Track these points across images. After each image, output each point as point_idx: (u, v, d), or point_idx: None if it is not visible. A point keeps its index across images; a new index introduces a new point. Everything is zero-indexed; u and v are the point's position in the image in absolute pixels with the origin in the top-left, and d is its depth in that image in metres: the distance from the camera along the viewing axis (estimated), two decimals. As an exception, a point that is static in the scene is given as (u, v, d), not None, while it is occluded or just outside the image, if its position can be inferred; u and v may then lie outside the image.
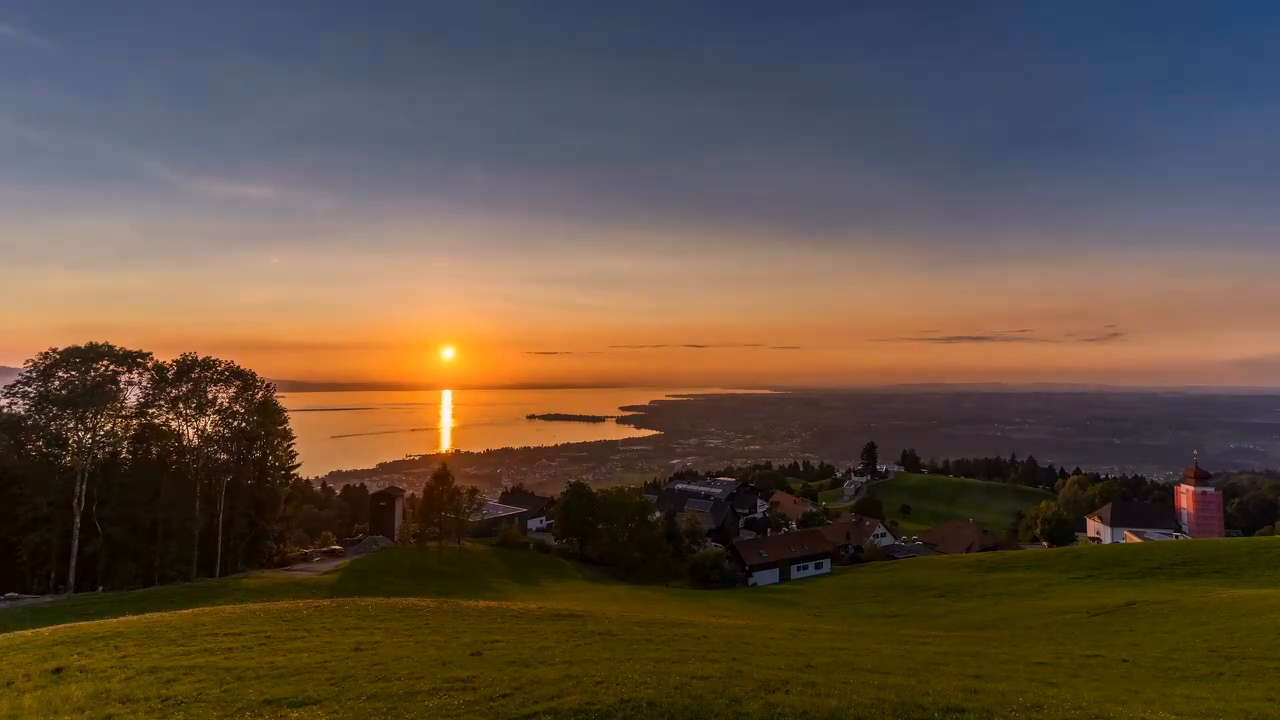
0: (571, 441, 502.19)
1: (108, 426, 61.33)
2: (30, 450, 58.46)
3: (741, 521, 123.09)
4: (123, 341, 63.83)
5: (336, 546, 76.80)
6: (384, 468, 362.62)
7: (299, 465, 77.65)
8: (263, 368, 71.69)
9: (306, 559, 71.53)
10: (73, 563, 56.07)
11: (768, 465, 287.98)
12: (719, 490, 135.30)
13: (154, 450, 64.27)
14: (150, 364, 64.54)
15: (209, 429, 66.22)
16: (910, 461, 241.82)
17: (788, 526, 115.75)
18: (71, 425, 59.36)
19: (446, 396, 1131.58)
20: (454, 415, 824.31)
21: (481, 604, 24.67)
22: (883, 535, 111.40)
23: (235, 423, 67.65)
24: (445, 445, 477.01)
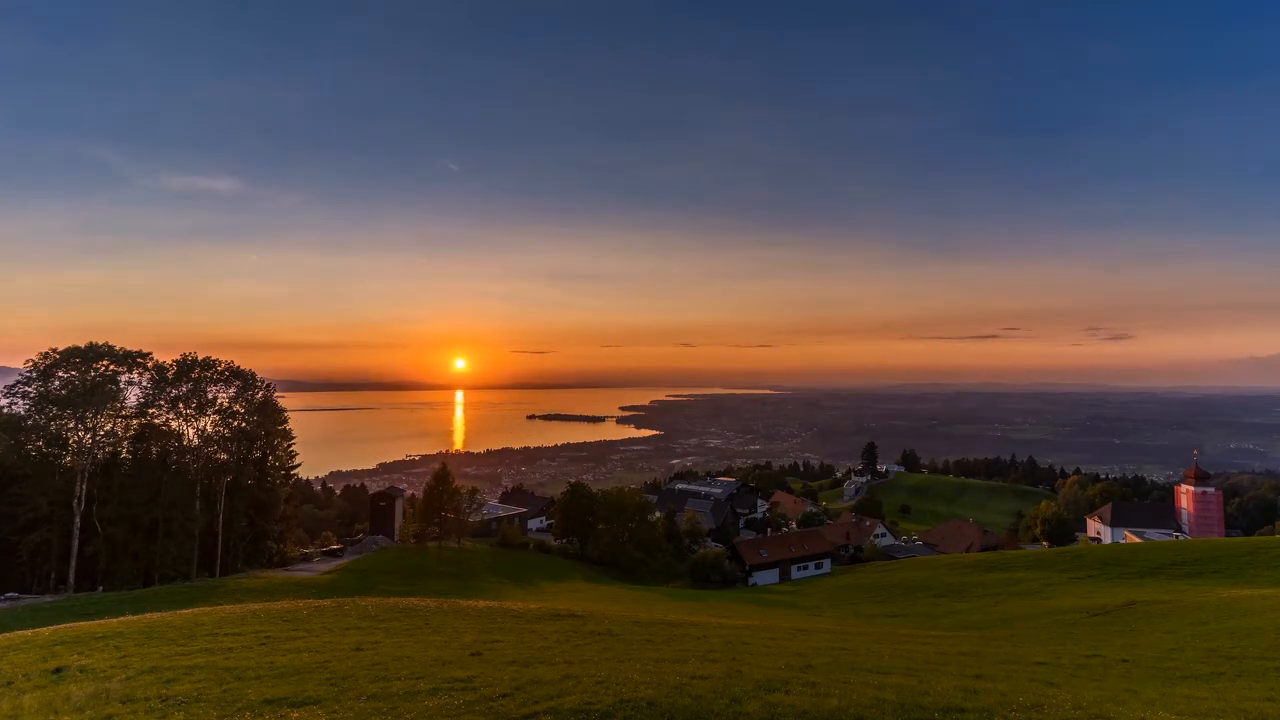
0: (571, 441, 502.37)
1: (108, 426, 61.28)
2: (30, 450, 58.39)
3: (741, 521, 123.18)
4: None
5: (336, 546, 76.82)
6: (384, 468, 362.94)
7: (299, 465, 77.71)
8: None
9: (306, 559, 71.51)
10: (73, 563, 56.05)
11: (768, 465, 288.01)
12: (719, 490, 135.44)
13: (154, 450, 64.22)
14: (150, 364, 64.59)
15: (209, 429, 66.20)
16: (910, 461, 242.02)
17: (788, 526, 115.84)
18: (71, 425, 59.31)
19: (437, 395, 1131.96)
20: (453, 415, 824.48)
21: (481, 604, 24.64)
22: (883, 535, 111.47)
23: (235, 423, 67.64)
24: (446, 445, 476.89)
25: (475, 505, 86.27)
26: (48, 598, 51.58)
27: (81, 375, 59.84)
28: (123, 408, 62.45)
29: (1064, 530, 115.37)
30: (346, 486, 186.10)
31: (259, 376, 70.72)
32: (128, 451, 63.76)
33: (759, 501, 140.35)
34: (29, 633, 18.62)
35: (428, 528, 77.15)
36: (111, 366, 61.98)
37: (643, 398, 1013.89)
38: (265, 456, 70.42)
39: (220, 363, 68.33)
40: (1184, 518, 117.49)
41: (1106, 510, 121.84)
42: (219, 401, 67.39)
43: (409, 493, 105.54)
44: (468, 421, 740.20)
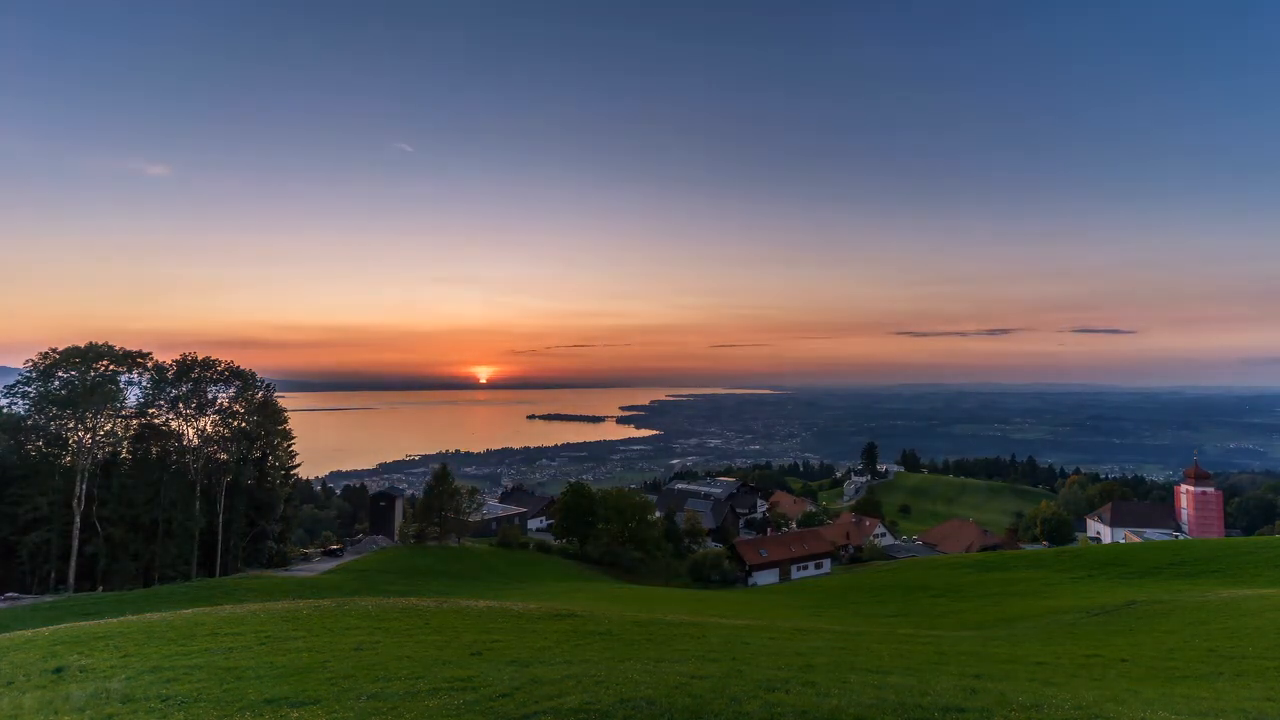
0: (571, 441, 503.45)
1: (108, 426, 61.31)
2: (30, 450, 58.42)
3: (741, 521, 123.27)
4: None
5: (336, 546, 76.80)
6: (384, 468, 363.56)
7: (299, 465, 77.79)
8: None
9: (306, 559, 71.52)
10: (73, 563, 56.08)
11: (768, 465, 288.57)
12: (719, 490, 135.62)
13: (154, 450, 64.22)
14: (150, 364, 64.69)
15: (209, 429, 66.27)
16: (910, 461, 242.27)
17: (788, 526, 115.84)
18: (71, 425, 59.35)
19: (435, 395, 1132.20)
20: (451, 415, 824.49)
21: (481, 604, 24.64)
22: (882, 535, 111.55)
23: (235, 422, 67.74)
24: (446, 445, 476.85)
25: (475, 505, 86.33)
26: (48, 598, 51.55)
27: (81, 375, 59.86)
28: (123, 408, 62.50)
29: (1064, 530, 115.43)
30: (346, 486, 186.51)
31: (258, 376, 70.99)
32: (128, 451, 63.76)
33: (759, 501, 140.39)
34: (29, 633, 18.63)
35: (428, 528, 77.20)
36: (111, 366, 62.02)
37: (642, 398, 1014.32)
38: (265, 456, 70.49)
39: (220, 363, 68.49)
40: (1184, 518, 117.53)
41: (1106, 510, 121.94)
42: (219, 401, 67.48)
43: (409, 493, 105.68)
44: (467, 421, 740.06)
